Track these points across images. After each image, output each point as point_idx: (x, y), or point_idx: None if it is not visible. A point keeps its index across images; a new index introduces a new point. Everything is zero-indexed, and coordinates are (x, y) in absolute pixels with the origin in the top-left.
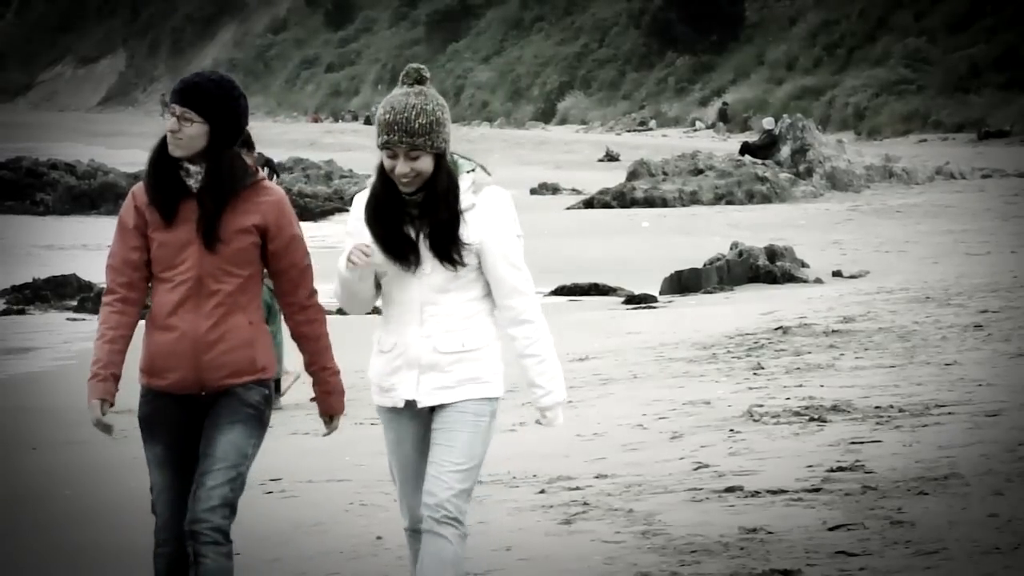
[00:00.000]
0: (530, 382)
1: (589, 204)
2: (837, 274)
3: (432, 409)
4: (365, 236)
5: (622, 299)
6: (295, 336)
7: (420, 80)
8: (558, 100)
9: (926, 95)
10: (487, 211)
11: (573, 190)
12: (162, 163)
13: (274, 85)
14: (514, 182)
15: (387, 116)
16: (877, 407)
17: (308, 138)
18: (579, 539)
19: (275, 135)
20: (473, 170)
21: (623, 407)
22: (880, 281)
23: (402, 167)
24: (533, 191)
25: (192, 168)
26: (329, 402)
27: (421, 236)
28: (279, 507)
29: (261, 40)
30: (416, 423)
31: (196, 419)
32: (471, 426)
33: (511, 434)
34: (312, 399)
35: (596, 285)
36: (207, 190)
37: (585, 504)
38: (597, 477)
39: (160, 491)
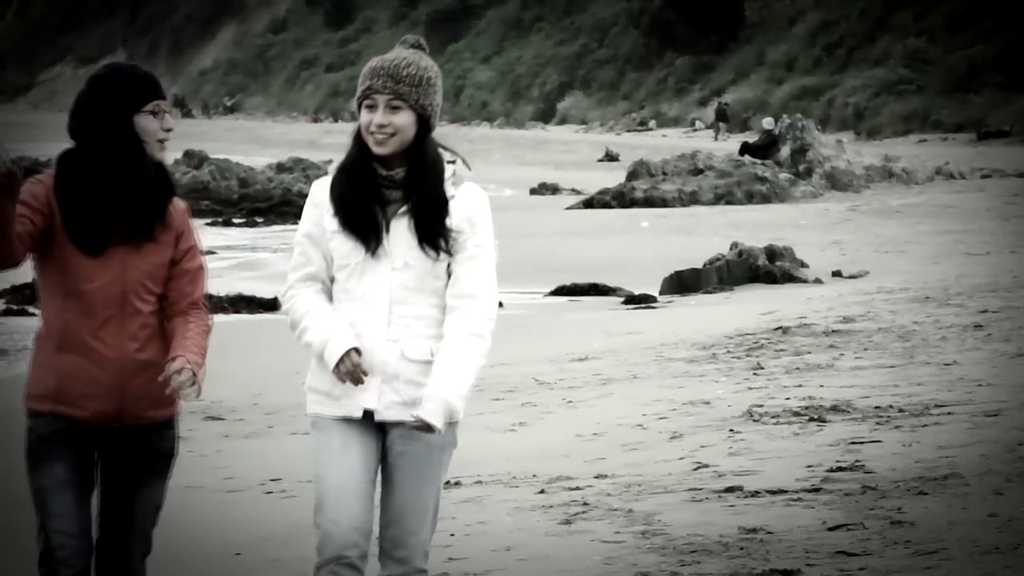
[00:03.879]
0: (432, 373)
1: (589, 204)
2: (837, 274)
3: (384, 427)
4: (325, 221)
5: (622, 299)
6: (173, 335)
7: (418, 46)
8: (558, 100)
9: (926, 95)
10: (468, 205)
11: (573, 190)
12: (108, 181)
13: (274, 85)
14: (514, 182)
15: (374, 64)
16: (877, 407)
17: (308, 138)
18: (579, 539)
19: (275, 135)
20: (453, 162)
21: (623, 407)
22: (880, 281)
23: (380, 117)
24: (533, 191)
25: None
26: (188, 361)
27: (393, 220)
28: (279, 507)
29: (261, 40)
30: (367, 437)
31: (99, 447)
32: (436, 464)
33: (511, 434)
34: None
35: (596, 285)
36: (159, 190)
37: (585, 504)
38: (597, 477)
39: (58, 516)
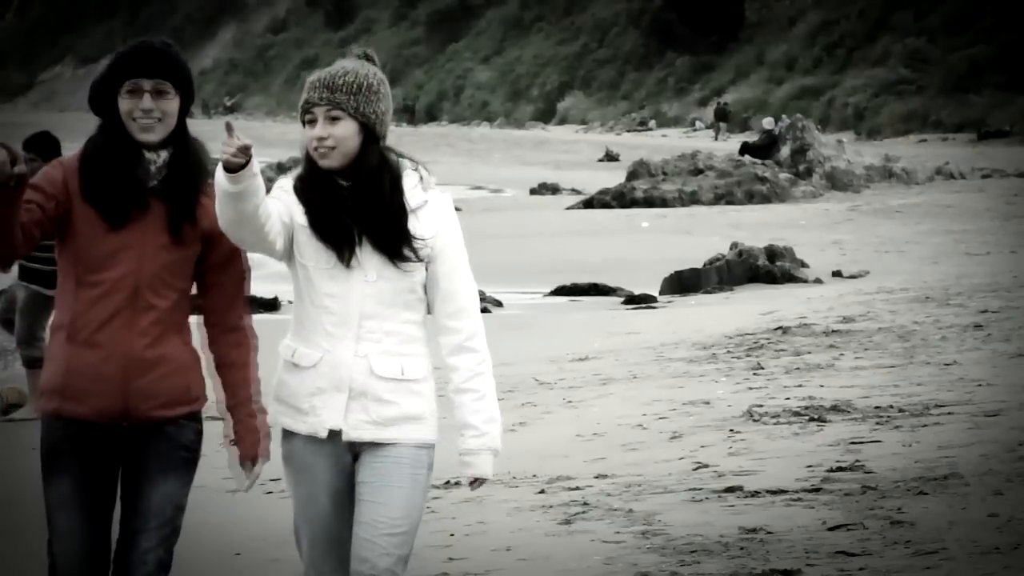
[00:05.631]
0: (462, 421)
1: (589, 204)
2: (837, 274)
3: (355, 452)
4: (294, 211)
5: (622, 299)
6: (219, 363)
7: (365, 57)
8: (558, 100)
9: (926, 95)
10: (441, 212)
11: (573, 190)
12: (117, 153)
13: (274, 85)
14: (514, 182)
15: (311, 78)
16: (877, 407)
17: None
18: (579, 539)
19: (275, 135)
20: (416, 168)
21: (623, 407)
22: (880, 281)
23: (318, 129)
24: (533, 191)
25: (149, 155)
26: (254, 443)
27: (363, 232)
28: (279, 507)
29: (261, 40)
30: (335, 464)
31: (113, 451)
32: (409, 479)
33: (511, 434)
34: (231, 442)
35: (596, 285)
36: (177, 181)
37: (585, 504)
38: (597, 477)
39: (63, 536)
